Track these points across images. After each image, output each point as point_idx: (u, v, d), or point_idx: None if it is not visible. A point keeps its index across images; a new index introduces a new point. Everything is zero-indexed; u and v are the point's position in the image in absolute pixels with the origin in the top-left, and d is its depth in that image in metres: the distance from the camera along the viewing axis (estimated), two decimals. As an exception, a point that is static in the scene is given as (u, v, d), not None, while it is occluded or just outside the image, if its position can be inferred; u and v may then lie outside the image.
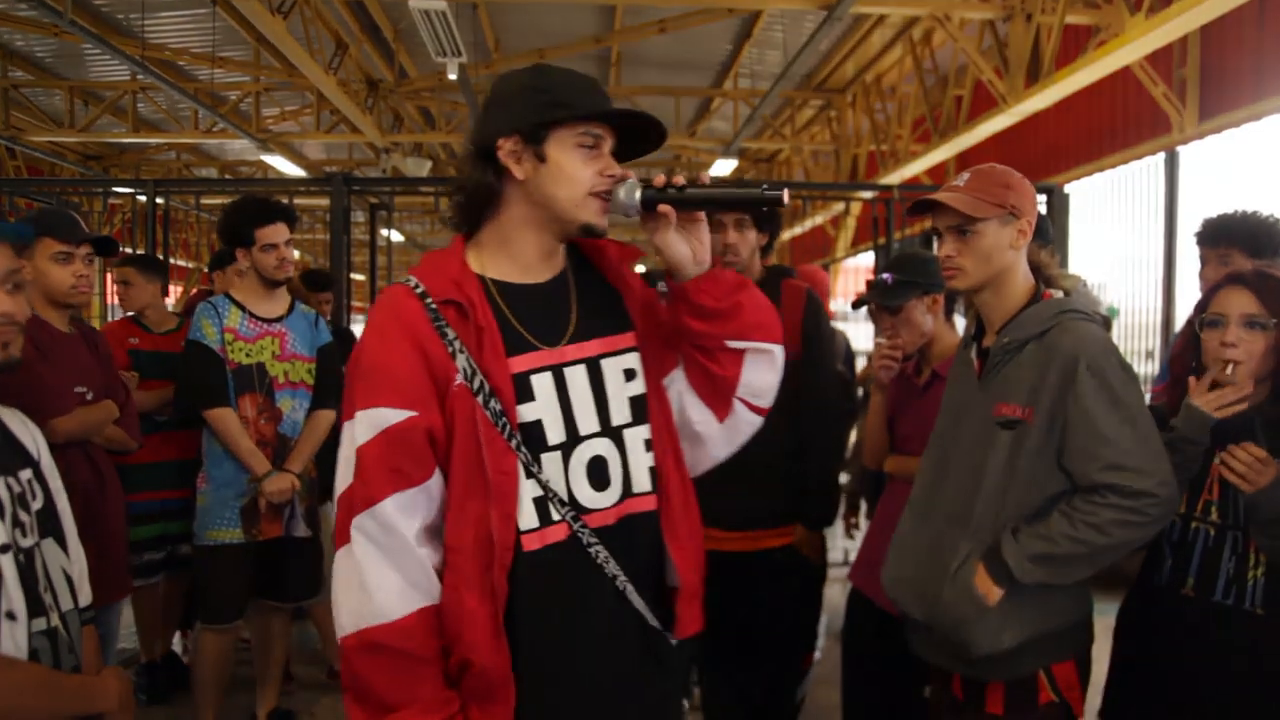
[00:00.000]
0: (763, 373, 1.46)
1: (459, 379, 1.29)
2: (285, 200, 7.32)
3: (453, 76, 6.48)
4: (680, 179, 1.35)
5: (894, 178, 8.53)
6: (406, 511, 1.26)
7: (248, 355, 3.00)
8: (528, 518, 1.29)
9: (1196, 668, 1.78)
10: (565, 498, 1.32)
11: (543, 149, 1.32)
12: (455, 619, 1.25)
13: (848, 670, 2.68)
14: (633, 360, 1.42)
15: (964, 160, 8.33)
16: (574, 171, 1.33)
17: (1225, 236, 2.56)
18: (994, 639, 1.72)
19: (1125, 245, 6.54)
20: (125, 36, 7.88)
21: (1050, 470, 1.71)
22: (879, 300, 2.43)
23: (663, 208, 1.34)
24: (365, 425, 1.27)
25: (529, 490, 1.30)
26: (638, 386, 1.41)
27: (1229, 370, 1.74)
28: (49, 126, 9.92)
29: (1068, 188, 7.10)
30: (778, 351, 1.48)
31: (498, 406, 1.28)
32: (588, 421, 1.35)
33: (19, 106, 9.63)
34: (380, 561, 1.25)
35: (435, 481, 1.29)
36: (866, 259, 11.50)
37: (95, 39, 6.19)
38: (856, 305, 2.67)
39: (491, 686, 1.26)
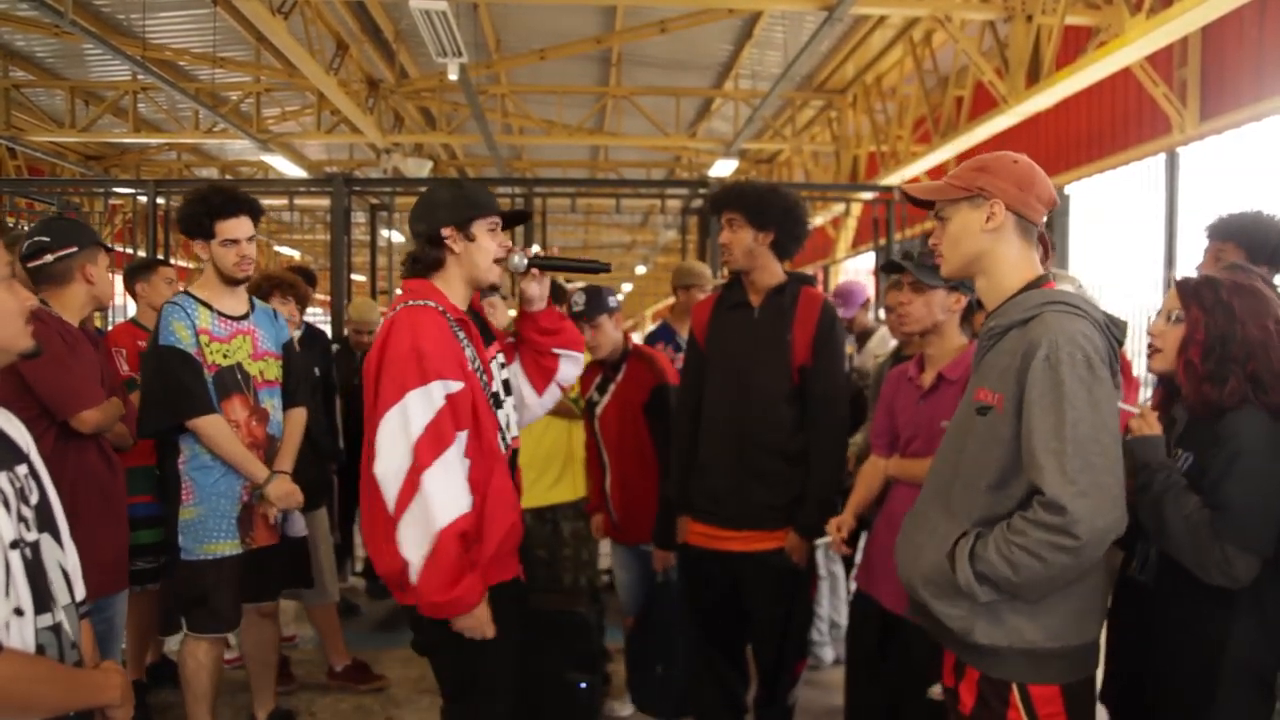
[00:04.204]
0: (570, 368, 2.41)
1: (469, 365, 2.09)
2: (285, 201, 7.40)
3: (453, 77, 6.47)
4: (540, 252, 2.30)
5: (894, 178, 8.54)
6: (461, 446, 2.02)
7: (225, 356, 2.85)
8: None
9: (1127, 642, 1.92)
10: (506, 432, 2.21)
11: (470, 232, 2.13)
12: (502, 499, 2.11)
13: (851, 670, 2.69)
14: (502, 357, 2.32)
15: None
16: (488, 245, 2.15)
17: (1222, 232, 2.58)
18: (962, 624, 1.66)
19: (1126, 245, 6.55)
20: (126, 36, 7.89)
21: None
22: (915, 272, 2.41)
23: (532, 271, 2.24)
24: (440, 390, 1.99)
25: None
26: (505, 373, 2.32)
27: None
28: (50, 126, 9.92)
29: (1068, 188, 7.13)
30: (579, 357, 2.42)
31: (485, 379, 2.15)
32: (502, 391, 2.26)
33: (20, 106, 9.63)
34: (461, 474, 2.01)
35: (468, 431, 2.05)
36: (867, 260, 11.51)
37: (96, 39, 6.20)
38: (887, 269, 2.65)
39: (516, 533, 2.17)
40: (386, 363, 2.00)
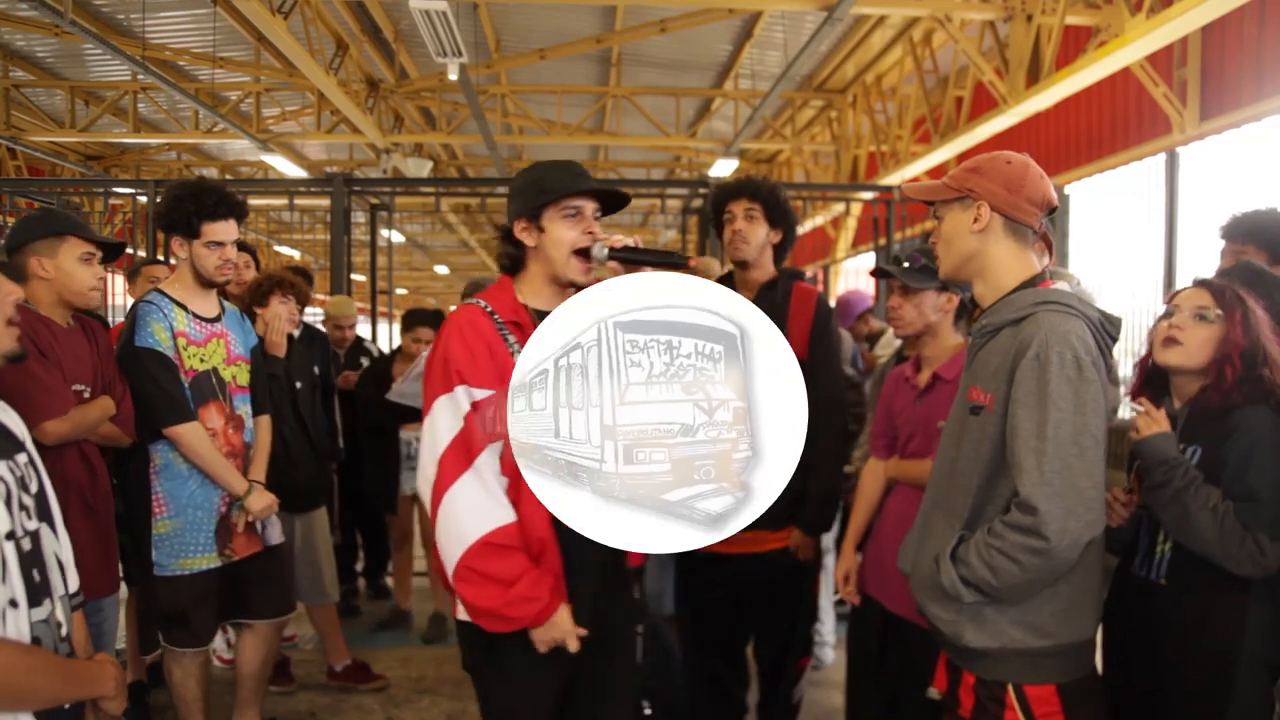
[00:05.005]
0: None
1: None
2: (285, 201, 7.38)
3: (453, 77, 6.48)
4: (625, 242, 1.93)
5: (894, 178, 8.54)
6: (494, 455, 1.82)
7: (202, 360, 2.71)
8: None
9: (1133, 640, 1.91)
10: None
11: (540, 223, 1.90)
12: (534, 520, 1.82)
13: (852, 671, 2.69)
14: None
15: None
16: (561, 235, 1.89)
17: (1243, 232, 2.55)
18: (953, 628, 1.67)
19: (1126, 245, 6.55)
20: (126, 36, 7.89)
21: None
22: (901, 276, 2.42)
23: (611, 264, 1.92)
24: (465, 396, 1.82)
25: None
26: None
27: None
28: (50, 126, 9.93)
29: (1068, 188, 7.13)
30: None
31: None
32: None
33: (20, 106, 9.64)
34: (497, 486, 1.81)
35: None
36: (867, 260, 11.51)
37: (96, 39, 6.19)
38: (876, 274, 2.67)
39: (552, 562, 1.84)
40: (426, 368, 1.92)
